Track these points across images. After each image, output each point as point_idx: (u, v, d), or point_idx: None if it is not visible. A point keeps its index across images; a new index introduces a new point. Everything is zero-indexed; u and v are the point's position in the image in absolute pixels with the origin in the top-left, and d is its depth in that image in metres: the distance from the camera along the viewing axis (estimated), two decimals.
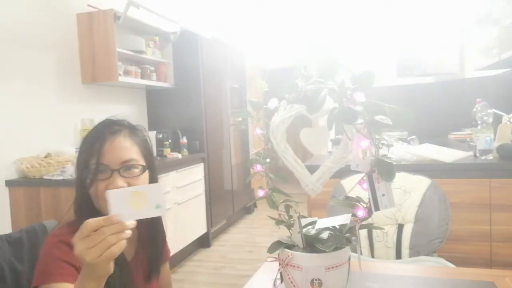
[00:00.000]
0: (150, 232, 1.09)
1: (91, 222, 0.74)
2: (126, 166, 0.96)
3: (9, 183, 2.54)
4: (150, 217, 0.79)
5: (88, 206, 0.97)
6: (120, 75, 3.18)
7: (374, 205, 0.93)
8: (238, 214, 4.92)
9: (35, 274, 0.92)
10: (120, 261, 0.91)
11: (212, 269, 3.41)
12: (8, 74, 2.57)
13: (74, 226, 0.93)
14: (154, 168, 1.05)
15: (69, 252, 0.88)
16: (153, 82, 3.69)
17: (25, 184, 2.54)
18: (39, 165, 2.57)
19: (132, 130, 1.03)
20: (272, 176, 1.07)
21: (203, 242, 3.95)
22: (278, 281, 1.04)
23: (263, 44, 5.26)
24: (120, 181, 0.94)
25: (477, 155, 2.34)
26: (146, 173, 1.00)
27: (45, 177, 2.54)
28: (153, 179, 1.05)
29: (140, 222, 1.00)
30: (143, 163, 1.00)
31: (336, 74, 0.95)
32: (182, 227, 3.48)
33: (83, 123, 3.08)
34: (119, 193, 0.77)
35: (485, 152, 2.30)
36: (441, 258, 1.67)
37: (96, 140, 0.97)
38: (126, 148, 0.97)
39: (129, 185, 0.95)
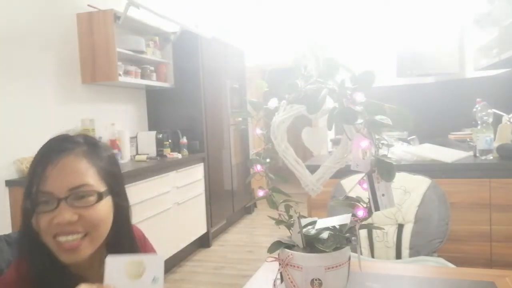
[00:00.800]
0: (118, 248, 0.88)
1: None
2: (75, 194, 0.77)
3: (9, 183, 2.54)
4: None
5: (35, 243, 0.79)
6: (120, 75, 3.18)
7: (374, 205, 0.93)
8: (238, 214, 4.92)
9: None
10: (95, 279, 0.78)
11: (212, 269, 3.41)
12: (8, 74, 2.57)
13: (22, 270, 0.80)
14: (121, 193, 0.87)
15: None
16: (153, 82, 3.69)
17: (25, 184, 2.53)
18: None
19: (91, 147, 0.84)
20: (272, 176, 1.07)
21: (203, 242, 3.95)
22: (278, 281, 1.04)
23: (263, 44, 5.26)
24: (67, 214, 0.76)
25: (477, 155, 2.34)
26: (106, 201, 0.82)
27: None
28: (119, 207, 0.86)
29: (107, 239, 0.85)
30: (101, 189, 0.81)
31: (336, 74, 0.95)
32: (182, 227, 3.48)
33: (83, 123, 3.08)
34: (117, 260, 0.73)
35: (485, 152, 2.30)
36: (441, 258, 1.67)
37: (39, 162, 0.80)
38: (77, 171, 0.79)
39: (80, 217, 0.77)
